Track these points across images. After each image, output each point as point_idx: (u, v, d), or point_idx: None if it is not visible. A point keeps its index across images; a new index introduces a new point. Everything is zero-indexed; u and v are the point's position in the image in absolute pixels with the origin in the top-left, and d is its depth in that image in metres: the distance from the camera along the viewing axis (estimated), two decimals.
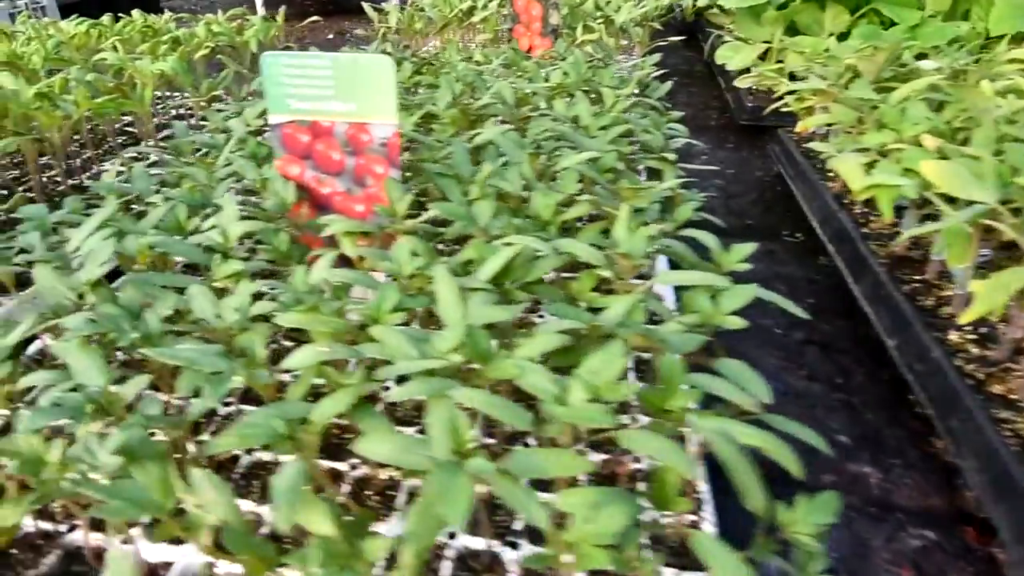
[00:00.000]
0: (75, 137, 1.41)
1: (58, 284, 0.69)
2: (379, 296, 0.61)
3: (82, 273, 0.68)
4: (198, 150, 1.09)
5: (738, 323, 0.62)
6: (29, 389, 0.61)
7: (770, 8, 2.02)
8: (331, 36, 3.55)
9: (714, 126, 2.12)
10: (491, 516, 0.60)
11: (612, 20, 2.22)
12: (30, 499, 0.48)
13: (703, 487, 0.62)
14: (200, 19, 2.06)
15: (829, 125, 1.43)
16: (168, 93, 1.91)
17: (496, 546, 0.57)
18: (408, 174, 0.96)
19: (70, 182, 1.32)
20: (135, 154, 1.41)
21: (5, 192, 1.28)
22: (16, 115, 1.12)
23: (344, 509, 0.51)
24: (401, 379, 0.52)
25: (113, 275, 0.80)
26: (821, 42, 1.77)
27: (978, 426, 0.74)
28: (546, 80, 1.41)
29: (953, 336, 0.87)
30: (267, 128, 1.16)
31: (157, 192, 0.91)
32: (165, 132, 1.60)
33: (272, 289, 0.66)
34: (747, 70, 2.04)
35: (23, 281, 0.87)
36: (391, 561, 0.47)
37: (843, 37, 1.95)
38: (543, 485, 0.58)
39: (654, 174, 1.16)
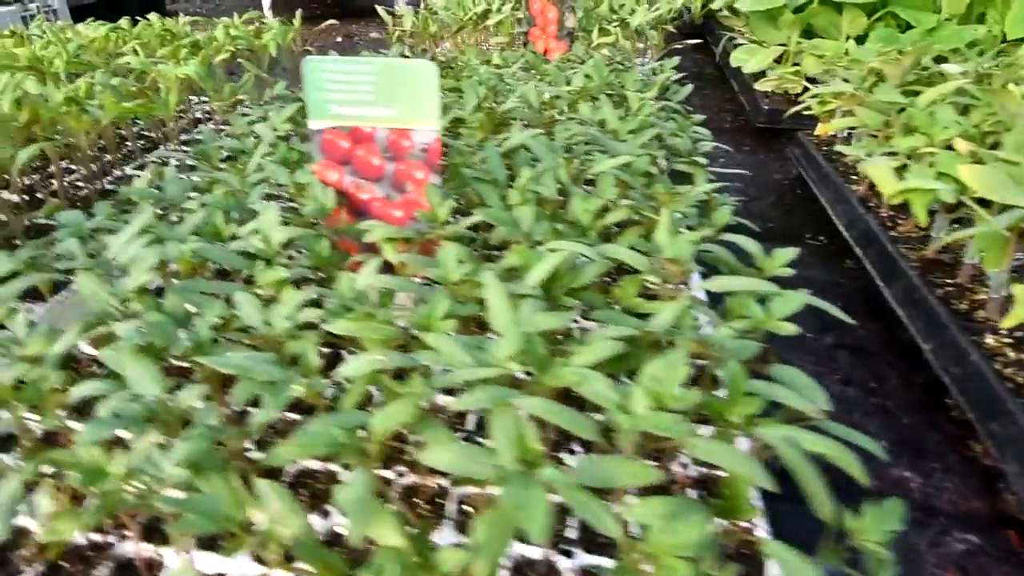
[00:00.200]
0: (99, 142, 1.41)
1: (101, 291, 0.68)
2: (430, 303, 0.61)
3: (127, 280, 0.67)
4: (226, 156, 1.09)
5: (790, 328, 0.62)
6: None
7: (786, 11, 2.02)
8: (339, 39, 3.54)
9: (729, 129, 2.12)
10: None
11: (627, 23, 2.22)
12: (92, 511, 0.47)
13: (753, 494, 0.61)
14: (215, 23, 2.06)
15: (852, 129, 1.43)
16: (188, 97, 1.90)
17: (552, 554, 0.56)
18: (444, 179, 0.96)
19: (92, 186, 1.32)
20: (159, 159, 1.40)
21: (27, 197, 1.28)
22: (44, 120, 1.12)
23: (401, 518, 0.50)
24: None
25: None
26: (841, 45, 1.76)
27: (1021, 430, 0.74)
28: (568, 83, 1.41)
29: (990, 340, 0.87)
30: (294, 133, 1.16)
31: (189, 198, 0.91)
32: (184, 136, 1.60)
33: (319, 296, 0.66)
34: (763, 73, 2.04)
35: (57, 288, 0.87)
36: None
37: (860, 40, 1.95)
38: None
39: (677, 178, 1.15)
